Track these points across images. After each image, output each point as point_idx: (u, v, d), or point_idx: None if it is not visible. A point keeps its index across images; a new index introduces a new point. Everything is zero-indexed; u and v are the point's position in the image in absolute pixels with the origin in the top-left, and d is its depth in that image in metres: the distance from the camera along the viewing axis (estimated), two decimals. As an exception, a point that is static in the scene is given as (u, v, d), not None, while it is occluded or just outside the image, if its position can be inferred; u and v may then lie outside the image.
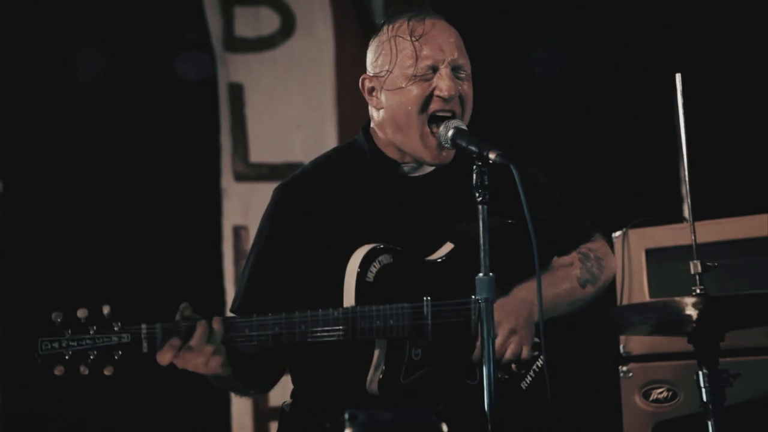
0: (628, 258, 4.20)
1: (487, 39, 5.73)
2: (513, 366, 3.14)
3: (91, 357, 2.80)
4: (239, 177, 5.76)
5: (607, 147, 5.56)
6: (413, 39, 3.14)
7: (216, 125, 5.78)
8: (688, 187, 3.43)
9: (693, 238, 3.35)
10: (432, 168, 3.24)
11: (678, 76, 3.41)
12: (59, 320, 2.79)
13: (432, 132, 3.14)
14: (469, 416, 2.97)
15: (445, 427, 2.59)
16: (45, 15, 5.62)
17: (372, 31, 3.32)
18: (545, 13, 5.74)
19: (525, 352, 3.12)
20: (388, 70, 3.17)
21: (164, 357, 2.89)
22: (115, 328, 2.82)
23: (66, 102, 5.65)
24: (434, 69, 3.14)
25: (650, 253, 4.19)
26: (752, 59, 5.34)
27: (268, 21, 5.81)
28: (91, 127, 5.66)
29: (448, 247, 3.20)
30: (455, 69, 3.16)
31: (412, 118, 3.15)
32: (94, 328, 2.80)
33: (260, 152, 5.79)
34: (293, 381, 3.34)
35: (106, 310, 2.82)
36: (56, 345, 2.78)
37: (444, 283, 3.13)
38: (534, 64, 5.79)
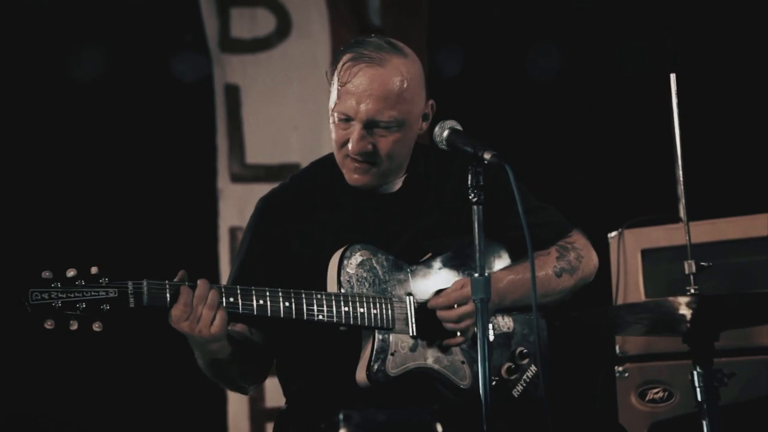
0: (623, 258, 4.21)
1: (486, 40, 5.74)
2: (456, 340, 3.15)
3: (80, 309, 2.87)
4: (235, 178, 5.76)
5: (603, 147, 5.56)
6: (339, 84, 3.19)
7: (212, 126, 5.78)
8: (683, 187, 3.44)
9: (687, 238, 3.37)
10: (400, 184, 3.30)
11: (672, 77, 3.42)
12: (49, 277, 2.87)
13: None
14: (462, 417, 2.97)
15: (439, 427, 2.59)
16: (42, 15, 5.62)
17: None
18: (543, 14, 5.74)
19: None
20: (329, 100, 3.25)
21: (177, 309, 2.96)
22: (102, 283, 2.90)
23: (62, 102, 5.65)
24: (350, 119, 3.18)
25: (646, 254, 4.19)
26: (748, 60, 5.35)
27: (264, 22, 5.81)
28: (88, 127, 5.65)
29: (428, 255, 3.25)
30: (369, 125, 3.16)
31: (335, 150, 3.27)
32: (82, 282, 2.89)
33: (256, 153, 5.79)
34: (286, 386, 3.36)
35: (94, 270, 2.91)
36: (45, 296, 2.86)
37: (423, 284, 3.20)
38: (532, 65, 5.79)
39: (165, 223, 5.61)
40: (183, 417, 5.56)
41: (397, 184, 3.31)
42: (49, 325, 2.86)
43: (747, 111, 5.32)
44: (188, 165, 5.73)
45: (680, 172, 3.42)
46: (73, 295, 2.87)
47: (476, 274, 2.84)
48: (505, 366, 3.23)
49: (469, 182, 2.89)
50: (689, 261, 3.30)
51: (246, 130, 5.80)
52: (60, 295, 2.87)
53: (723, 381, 3.17)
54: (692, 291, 3.26)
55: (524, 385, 3.25)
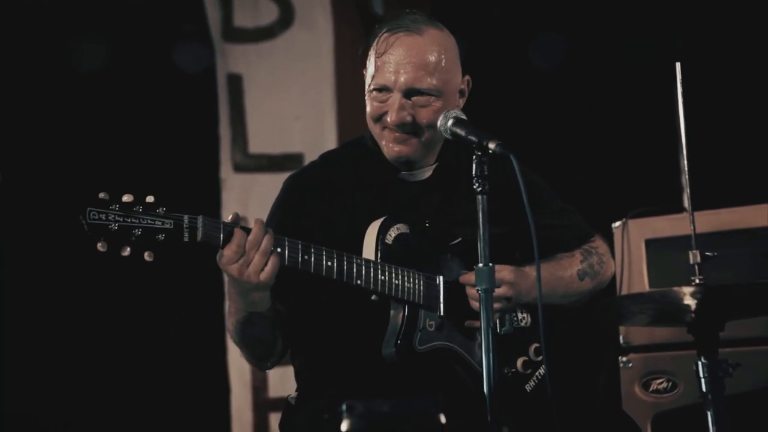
0: (627, 248, 4.20)
1: (489, 32, 5.73)
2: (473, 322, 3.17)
3: (135, 236, 2.79)
4: (238, 168, 5.75)
5: (608, 138, 5.56)
6: (376, 55, 3.18)
7: (215, 116, 5.77)
8: (687, 177, 3.43)
9: (692, 228, 3.35)
10: (430, 173, 3.30)
11: (678, 66, 3.41)
12: (105, 198, 2.79)
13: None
14: (468, 407, 2.97)
15: (443, 418, 2.58)
16: (44, 6, 5.61)
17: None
18: (546, 4, 5.73)
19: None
20: (365, 78, 3.24)
21: (229, 249, 2.90)
22: (160, 213, 2.83)
23: (65, 93, 5.65)
24: (388, 90, 3.17)
25: (650, 243, 4.19)
26: (752, 51, 5.34)
27: (266, 11, 5.80)
28: (90, 118, 5.65)
29: (458, 240, 3.26)
30: (409, 93, 3.15)
31: (371, 126, 3.25)
32: (140, 209, 2.81)
33: (259, 143, 5.78)
34: (299, 372, 3.35)
35: (150, 199, 2.83)
36: (103, 217, 2.77)
37: (455, 267, 3.20)
38: (535, 55, 5.78)
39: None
40: (187, 407, 5.57)
41: (428, 172, 3.31)
42: (101, 247, 2.76)
43: (751, 101, 5.31)
44: (191, 155, 5.72)
45: (685, 162, 3.41)
46: (130, 220, 2.78)
47: (480, 264, 2.84)
48: (521, 360, 3.25)
49: (474, 172, 2.88)
50: (694, 251, 3.28)
51: (249, 120, 5.79)
52: (117, 218, 2.77)
53: (728, 371, 3.16)
54: (697, 281, 3.25)
55: (536, 381, 3.27)
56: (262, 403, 5.60)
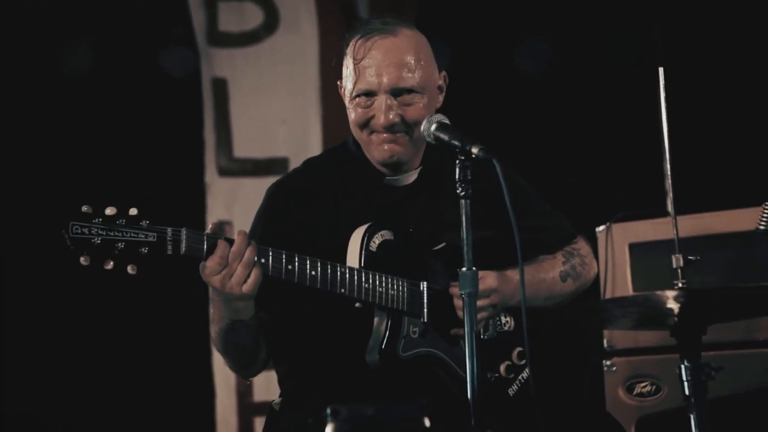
0: (611, 252, 4.21)
1: (475, 35, 5.74)
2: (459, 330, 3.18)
3: (118, 249, 2.79)
4: (223, 172, 5.75)
5: (592, 142, 5.57)
6: (355, 62, 3.19)
7: (200, 120, 5.77)
8: (670, 181, 3.45)
9: (675, 232, 3.37)
10: (415, 177, 3.30)
11: (661, 70, 3.43)
12: (88, 212, 2.78)
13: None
14: (453, 412, 2.98)
15: (427, 422, 2.59)
16: (31, 11, 5.60)
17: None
18: (531, 9, 5.74)
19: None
20: (344, 85, 3.25)
21: (212, 261, 2.91)
22: (143, 226, 2.82)
23: (51, 96, 5.63)
24: (372, 94, 3.18)
25: (634, 248, 4.20)
26: (735, 55, 5.35)
27: (252, 16, 5.80)
28: (76, 121, 5.63)
29: (442, 245, 3.27)
30: (396, 93, 3.17)
31: (357, 134, 3.26)
32: (123, 222, 2.80)
33: (244, 147, 5.77)
34: (282, 379, 3.35)
35: (133, 212, 2.83)
36: (86, 230, 2.76)
37: (439, 272, 3.21)
38: (521, 59, 5.79)
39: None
40: (172, 411, 5.56)
41: (413, 176, 3.31)
42: (84, 261, 2.76)
43: (734, 105, 5.32)
44: (176, 159, 5.71)
45: (668, 166, 3.43)
46: (113, 234, 2.77)
47: (464, 269, 2.84)
48: (504, 364, 3.26)
49: (457, 176, 2.89)
50: (677, 255, 3.31)
51: (234, 124, 5.78)
52: (100, 232, 2.76)
53: (710, 375, 3.17)
54: (680, 285, 3.27)
55: (519, 385, 3.27)
56: (246, 408, 5.59)
